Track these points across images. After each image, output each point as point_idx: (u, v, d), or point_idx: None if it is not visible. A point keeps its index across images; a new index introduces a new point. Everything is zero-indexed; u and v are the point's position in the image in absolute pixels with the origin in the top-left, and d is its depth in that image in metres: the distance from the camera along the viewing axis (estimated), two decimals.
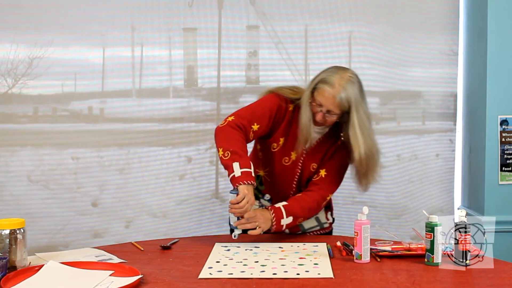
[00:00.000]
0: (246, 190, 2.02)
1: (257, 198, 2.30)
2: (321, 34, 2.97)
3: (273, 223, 2.11)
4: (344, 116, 2.12)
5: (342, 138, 2.21)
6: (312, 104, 2.12)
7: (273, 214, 2.11)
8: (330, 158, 2.24)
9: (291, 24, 2.96)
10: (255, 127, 2.15)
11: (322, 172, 2.23)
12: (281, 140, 2.21)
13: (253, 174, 2.06)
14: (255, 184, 2.07)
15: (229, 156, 2.05)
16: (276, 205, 2.14)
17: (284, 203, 2.15)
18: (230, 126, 2.11)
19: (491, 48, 2.95)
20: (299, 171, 2.25)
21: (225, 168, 2.07)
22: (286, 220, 2.12)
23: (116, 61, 2.88)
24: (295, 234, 2.29)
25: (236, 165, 2.04)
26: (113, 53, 2.88)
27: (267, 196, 2.32)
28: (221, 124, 2.14)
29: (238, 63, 2.97)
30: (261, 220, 2.08)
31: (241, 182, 2.02)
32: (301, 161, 2.23)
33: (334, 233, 2.42)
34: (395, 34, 3.04)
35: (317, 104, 2.10)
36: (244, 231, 2.12)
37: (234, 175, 2.04)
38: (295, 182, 2.26)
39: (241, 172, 2.03)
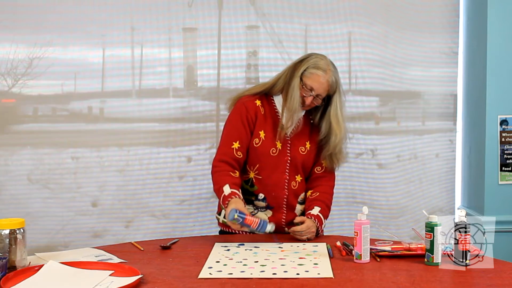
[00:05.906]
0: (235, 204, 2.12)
1: (250, 201, 2.32)
2: (321, 34, 2.96)
3: (320, 231, 2.25)
4: (324, 99, 2.27)
5: (312, 121, 2.34)
6: (301, 89, 2.22)
7: (317, 223, 2.23)
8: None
9: (291, 24, 2.95)
10: (236, 145, 2.25)
11: (325, 163, 2.34)
12: (261, 133, 2.28)
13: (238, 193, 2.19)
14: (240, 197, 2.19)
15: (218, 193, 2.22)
16: (314, 213, 2.25)
17: (317, 208, 2.26)
18: (214, 168, 2.26)
19: (491, 48, 2.95)
20: (289, 158, 2.30)
21: (218, 197, 2.24)
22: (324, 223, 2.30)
23: (115, 61, 2.88)
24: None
25: (226, 188, 2.19)
26: (113, 53, 2.88)
27: (261, 196, 2.32)
28: (212, 167, 2.29)
29: (238, 63, 2.97)
30: (311, 233, 2.20)
31: (231, 197, 2.15)
32: (288, 148, 2.30)
33: (333, 233, 2.42)
34: (395, 34, 3.04)
35: (308, 89, 2.21)
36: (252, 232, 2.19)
37: (224, 195, 2.18)
38: (287, 171, 2.30)
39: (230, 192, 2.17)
